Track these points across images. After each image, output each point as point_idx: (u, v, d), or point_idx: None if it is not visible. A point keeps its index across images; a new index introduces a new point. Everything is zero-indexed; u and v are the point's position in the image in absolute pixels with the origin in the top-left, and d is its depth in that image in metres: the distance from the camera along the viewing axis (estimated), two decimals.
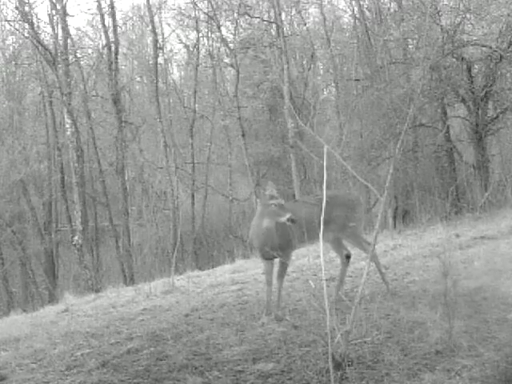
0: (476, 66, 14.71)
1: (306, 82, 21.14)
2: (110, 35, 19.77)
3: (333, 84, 22.77)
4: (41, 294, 20.22)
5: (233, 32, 21.41)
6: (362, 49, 19.64)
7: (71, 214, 18.97)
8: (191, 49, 24.42)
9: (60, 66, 17.77)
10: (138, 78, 28.07)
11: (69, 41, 19.30)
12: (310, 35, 22.35)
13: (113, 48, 19.63)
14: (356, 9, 20.78)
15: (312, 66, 22.45)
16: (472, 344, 4.01)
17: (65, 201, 19.74)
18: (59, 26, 18.51)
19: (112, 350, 5.20)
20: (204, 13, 21.27)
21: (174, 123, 23.26)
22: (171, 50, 28.73)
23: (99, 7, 19.64)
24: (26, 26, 18.94)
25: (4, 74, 23.18)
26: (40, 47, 18.46)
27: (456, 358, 3.85)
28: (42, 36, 19.58)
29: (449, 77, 14.02)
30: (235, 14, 20.64)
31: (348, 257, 6.05)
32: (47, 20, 20.11)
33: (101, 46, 22.09)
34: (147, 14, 21.56)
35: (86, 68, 22.96)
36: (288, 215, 5.41)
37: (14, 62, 22.79)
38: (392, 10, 18.75)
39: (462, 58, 14.08)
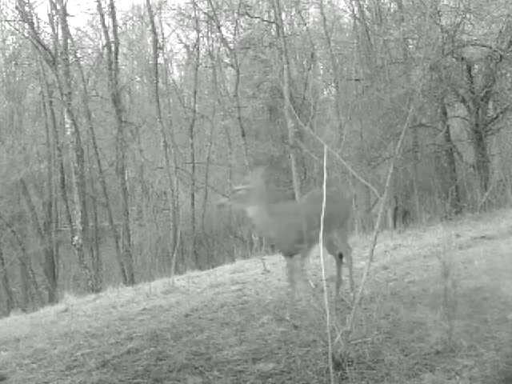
0: (476, 66, 14.72)
1: (306, 82, 21.12)
2: (110, 35, 19.80)
3: (333, 84, 22.78)
4: (41, 294, 20.22)
5: (233, 32, 21.41)
6: (362, 49, 19.65)
7: (71, 213, 18.97)
8: (191, 49, 24.44)
9: (60, 66, 17.77)
10: (138, 78, 28.08)
11: (69, 41, 19.29)
12: (310, 35, 22.34)
13: (113, 48, 19.65)
14: (356, 9, 20.82)
15: (312, 65, 22.44)
16: (472, 344, 4.01)
17: (65, 201, 19.73)
18: (59, 26, 18.51)
19: (112, 349, 5.20)
20: (204, 13, 21.28)
21: (173, 123, 23.25)
22: (171, 50, 28.82)
23: (99, 7, 19.67)
24: (26, 26, 18.97)
25: (4, 74, 23.18)
26: (40, 47, 18.46)
27: (456, 358, 3.85)
28: (42, 36, 19.65)
29: (449, 77, 14.02)
30: (235, 14, 20.63)
31: (341, 256, 6.04)
32: (47, 20, 20.15)
33: (101, 45, 22.14)
34: (147, 13, 21.58)
35: (86, 68, 22.96)
36: (221, 200, 5.75)
37: (13, 62, 22.79)
38: (392, 10, 18.77)
39: (462, 58, 14.09)
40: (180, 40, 25.45)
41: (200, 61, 23.21)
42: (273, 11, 19.13)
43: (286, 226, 5.55)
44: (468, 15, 13.88)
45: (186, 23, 23.55)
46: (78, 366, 4.80)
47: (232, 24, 21.59)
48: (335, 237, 5.92)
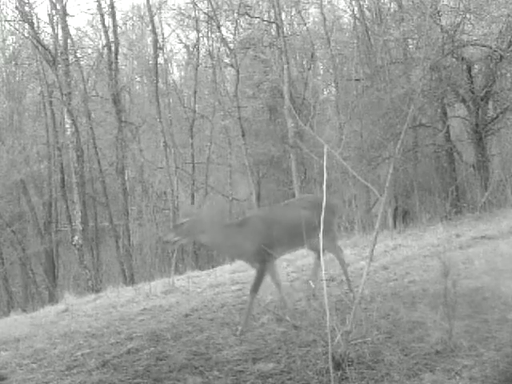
0: (476, 66, 14.72)
1: (306, 82, 21.11)
2: (110, 35, 19.79)
3: (333, 84, 22.77)
4: (41, 293, 20.21)
5: (233, 32, 21.41)
6: (362, 49, 19.65)
7: (71, 213, 18.96)
8: (191, 49, 24.43)
9: (60, 66, 17.77)
10: (138, 78, 28.07)
11: (69, 41, 19.29)
12: (310, 35, 22.33)
13: (113, 48, 19.65)
14: (356, 9, 20.81)
15: (312, 65, 22.44)
16: (472, 344, 4.01)
17: (65, 201, 19.70)
18: (59, 26, 18.51)
19: (112, 349, 5.20)
20: (204, 13, 21.28)
21: (174, 123, 23.22)
22: (171, 50, 28.79)
23: (99, 7, 19.66)
24: (26, 26, 18.98)
25: (4, 74, 23.18)
26: (40, 47, 18.46)
27: (456, 358, 3.85)
28: (42, 36, 19.63)
29: (449, 77, 14.02)
30: (235, 14, 20.64)
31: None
32: (47, 20, 20.08)
33: (101, 45, 22.11)
34: (147, 13, 21.56)
35: (86, 68, 22.95)
36: (167, 237, 5.38)
37: (13, 62, 22.79)
38: (392, 10, 18.75)
39: (462, 58, 14.08)
40: (180, 40, 25.47)
41: (200, 61, 23.19)
42: (273, 11, 19.15)
43: (242, 239, 5.43)
44: (468, 15, 13.87)
45: (186, 23, 23.56)
46: (77, 366, 4.81)
47: (232, 24, 21.61)
48: (325, 243, 5.85)
